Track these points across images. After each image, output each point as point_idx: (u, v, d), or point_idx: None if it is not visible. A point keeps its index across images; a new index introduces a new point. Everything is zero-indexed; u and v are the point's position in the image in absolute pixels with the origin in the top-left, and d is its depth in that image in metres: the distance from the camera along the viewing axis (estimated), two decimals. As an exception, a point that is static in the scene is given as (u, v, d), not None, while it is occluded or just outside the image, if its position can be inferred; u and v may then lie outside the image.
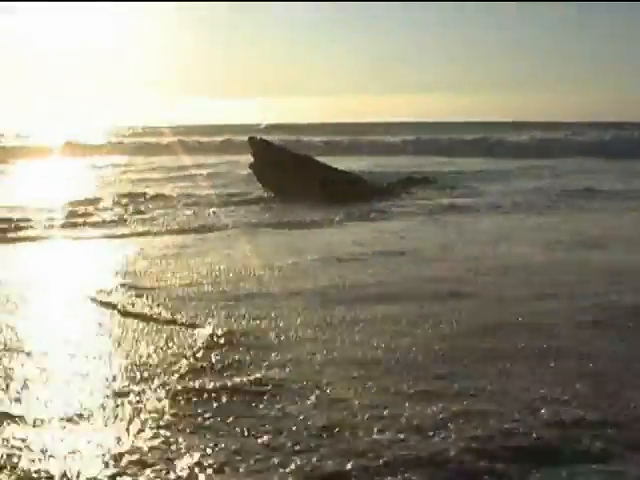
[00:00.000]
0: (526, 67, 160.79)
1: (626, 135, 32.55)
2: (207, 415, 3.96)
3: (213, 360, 4.83)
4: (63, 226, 12.06)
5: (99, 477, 3.30)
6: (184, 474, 3.34)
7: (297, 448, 3.54)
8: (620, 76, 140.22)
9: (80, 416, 3.96)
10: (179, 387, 4.34)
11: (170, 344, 5.22)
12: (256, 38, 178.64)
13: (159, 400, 4.15)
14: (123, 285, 7.09)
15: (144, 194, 16.52)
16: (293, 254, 8.82)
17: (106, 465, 3.41)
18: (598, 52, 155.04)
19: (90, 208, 14.19)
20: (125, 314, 6.05)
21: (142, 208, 14.27)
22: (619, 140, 31.46)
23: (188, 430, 3.78)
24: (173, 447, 3.58)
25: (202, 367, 4.69)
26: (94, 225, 12.24)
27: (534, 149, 30.57)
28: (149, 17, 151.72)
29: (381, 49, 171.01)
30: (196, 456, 3.48)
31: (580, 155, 27.43)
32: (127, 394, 4.25)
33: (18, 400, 4.21)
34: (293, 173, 16.35)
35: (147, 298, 6.54)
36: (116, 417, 3.95)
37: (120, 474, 3.33)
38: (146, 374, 4.60)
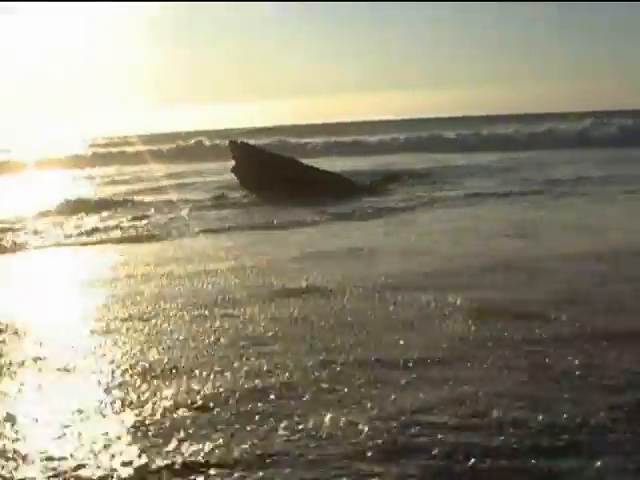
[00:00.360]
0: (505, 63, 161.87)
1: (603, 123, 32.62)
2: None
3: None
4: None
5: None
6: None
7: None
8: (597, 69, 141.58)
9: None
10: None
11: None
12: (239, 40, 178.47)
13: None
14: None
15: (114, 202, 16.19)
16: (218, 259, 8.69)
17: None
18: (578, 49, 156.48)
19: (56, 219, 13.78)
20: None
21: (115, 215, 14.06)
22: (598, 129, 31.60)
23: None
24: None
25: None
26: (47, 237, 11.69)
27: (516, 142, 30.70)
28: (147, 17, 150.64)
29: (362, 49, 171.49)
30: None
31: (562, 146, 27.58)
32: None
33: None
34: (275, 175, 16.38)
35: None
36: None
37: None
38: None
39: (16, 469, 3.42)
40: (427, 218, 11.95)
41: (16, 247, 10.81)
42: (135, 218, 13.35)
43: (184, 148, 37.71)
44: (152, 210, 14.53)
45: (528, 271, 7.04)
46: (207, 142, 37.69)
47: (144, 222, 12.89)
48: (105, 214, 14.22)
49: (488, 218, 11.51)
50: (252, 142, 21.38)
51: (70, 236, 11.72)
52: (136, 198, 16.85)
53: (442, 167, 21.77)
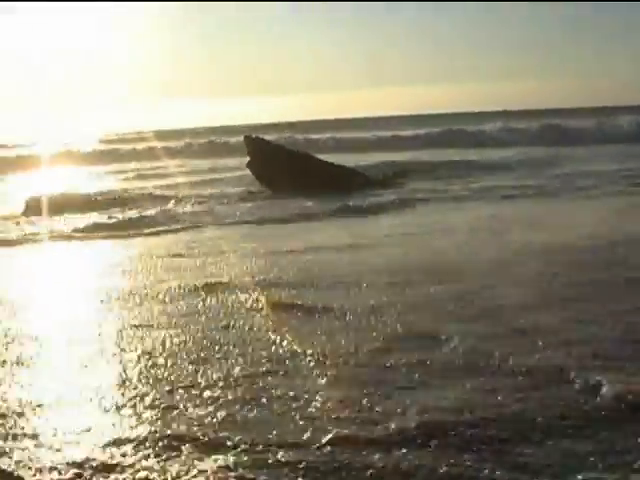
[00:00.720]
0: (521, 61, 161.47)
1: (617, 119, 32.42)
2: None
3: None
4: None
5: None
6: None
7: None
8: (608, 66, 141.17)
9: None
10: None
11: None
12: (242, 38, 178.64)
13: None
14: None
15: (140, 197, 16.43)
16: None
17: None
18: (595, 47, 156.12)
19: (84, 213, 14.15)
20: None
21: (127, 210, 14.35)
22: (612, 125, 31.44)
23: None
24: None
25: None
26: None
27: (531, 137, 30.64)
28: (146, 17, 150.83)
29: (370, 44, 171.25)
30: None
31: (577, 142, 27.54)
32: None
33: None
34: (289, 169, 16.54)
35: None
36: None
37: None
38: None
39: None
40: (421, 215, 12.08)
41: (54, 237, 11.44)
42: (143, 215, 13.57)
43: (197, 145, 37.88)
44: (154, 206, 14.67)
45: (417, 274, 7.07)
46: (218, 139, 37.90)
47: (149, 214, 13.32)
48: (132, 208, 14.57)
49: (477, 215, 11.49)
50: (269, 137, 21.48)
51: (100, 228, 12.11)
52: (157, 193, 17.06)
53: (454, 162, 21.80)
